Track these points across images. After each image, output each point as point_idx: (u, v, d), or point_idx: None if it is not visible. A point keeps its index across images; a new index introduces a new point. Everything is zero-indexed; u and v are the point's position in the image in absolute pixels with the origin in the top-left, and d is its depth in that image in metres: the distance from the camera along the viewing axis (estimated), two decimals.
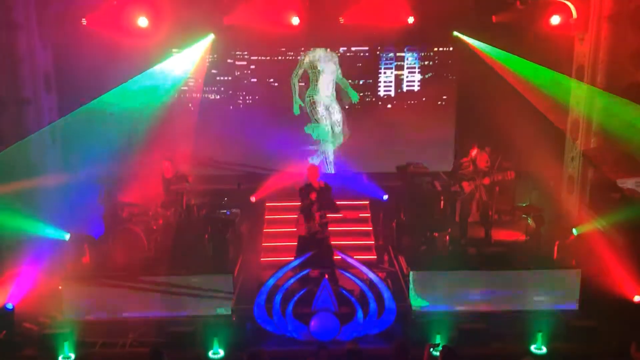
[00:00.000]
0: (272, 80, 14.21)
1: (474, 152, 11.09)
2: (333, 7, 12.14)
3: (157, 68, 12.90)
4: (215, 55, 13.91)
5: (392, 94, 14.34)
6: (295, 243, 10.18)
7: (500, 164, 10.80)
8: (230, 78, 14.19)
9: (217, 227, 10.79)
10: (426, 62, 14.17)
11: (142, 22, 12.07)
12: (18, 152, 11.40)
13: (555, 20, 11.95)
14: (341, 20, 12.19)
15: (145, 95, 12.85)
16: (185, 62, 13.25)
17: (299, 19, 12.05)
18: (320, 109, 14.19)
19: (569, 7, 11.92)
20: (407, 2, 11.91)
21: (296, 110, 14.20)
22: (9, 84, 11.45)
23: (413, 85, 14.28)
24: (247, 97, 14.28)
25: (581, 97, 12.29)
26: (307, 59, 13.95)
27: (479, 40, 12.76)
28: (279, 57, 14.09)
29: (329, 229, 10.17)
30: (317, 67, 13.99)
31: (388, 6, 11.85)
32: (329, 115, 14.23)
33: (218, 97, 14.23)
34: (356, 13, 12.10)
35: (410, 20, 12.01)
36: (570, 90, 12.58)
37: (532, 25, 12.12)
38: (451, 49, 13.92)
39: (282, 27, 12.23)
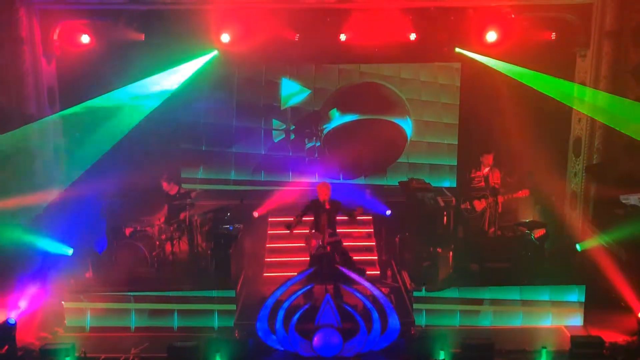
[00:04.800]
0: (274, 96, 14.25)
1: (486, 169, 11.03)
2: (334, 24, 12.14)
3: (160, 83, 12.90)
4: (217, 72, 13.88)
5: None
6: (298, 258, 10.14)
7: (518, 182, 10.80)
8: (232, 94, 14.21)
9: (220, 242, 10.77)
10: (428, 79, 14.19)
11: (145, 38, 12.10)
12: (21, 166, 11.43)
13: (554, 36, 11.95)
14: (342, 37, 12.20)
15: (147, 111, 12.86)
16: (188, 78, 13.26)
17: (299, 35, 12.07)
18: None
19: (569, 23, 11.96)
20: (409, 19, 11.93)
21: None
22: (13, 98, 11.50)
23: (415, 102, 14.27)
24: (250, 114, 14.28)
25: (583, 113, 12.30)
26: None
27: (481, 54, 12.76)
28: (280, 74, 14.12)
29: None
30: None
31: (389, 23, 11.87)
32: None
33: (220, 113, 14.23)
34: (357, 30, 12.11)
35: (412, 37, 12.02)
36: (572, 105, 12.60)
37: (533, 42, 12.12)
38: (453, 64, 13.93)
39: (283, 44, 12.26)
